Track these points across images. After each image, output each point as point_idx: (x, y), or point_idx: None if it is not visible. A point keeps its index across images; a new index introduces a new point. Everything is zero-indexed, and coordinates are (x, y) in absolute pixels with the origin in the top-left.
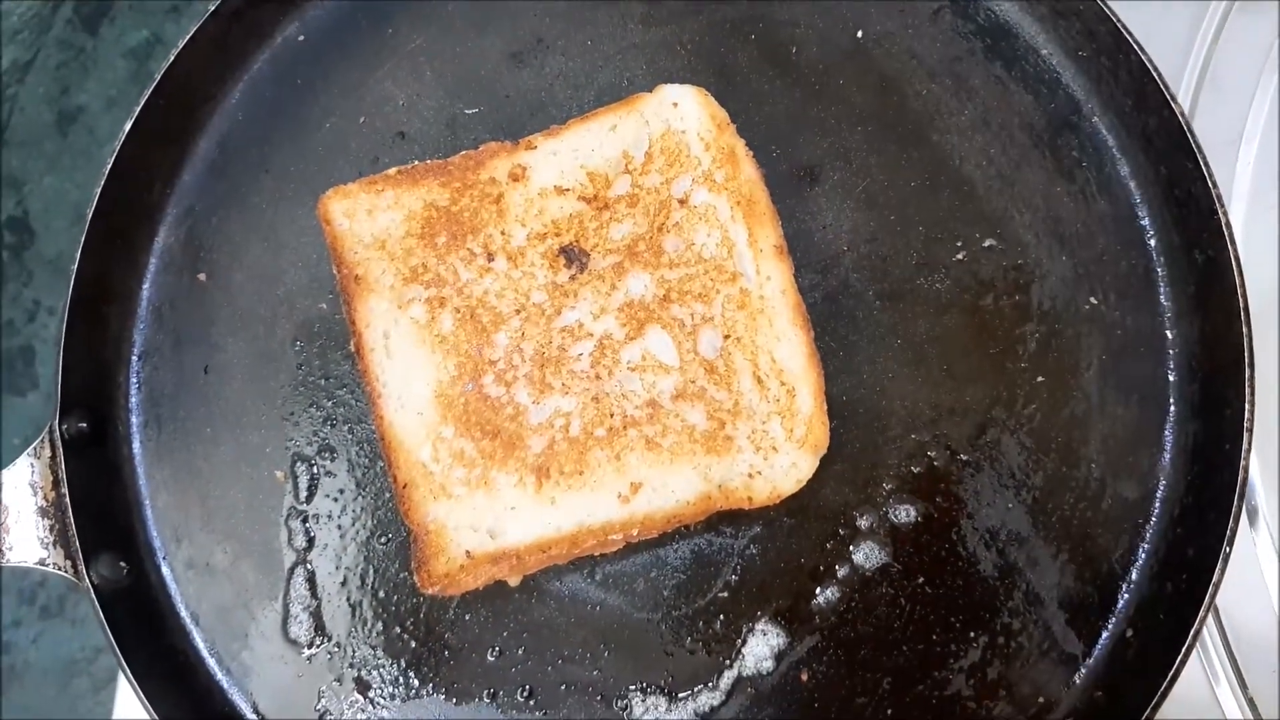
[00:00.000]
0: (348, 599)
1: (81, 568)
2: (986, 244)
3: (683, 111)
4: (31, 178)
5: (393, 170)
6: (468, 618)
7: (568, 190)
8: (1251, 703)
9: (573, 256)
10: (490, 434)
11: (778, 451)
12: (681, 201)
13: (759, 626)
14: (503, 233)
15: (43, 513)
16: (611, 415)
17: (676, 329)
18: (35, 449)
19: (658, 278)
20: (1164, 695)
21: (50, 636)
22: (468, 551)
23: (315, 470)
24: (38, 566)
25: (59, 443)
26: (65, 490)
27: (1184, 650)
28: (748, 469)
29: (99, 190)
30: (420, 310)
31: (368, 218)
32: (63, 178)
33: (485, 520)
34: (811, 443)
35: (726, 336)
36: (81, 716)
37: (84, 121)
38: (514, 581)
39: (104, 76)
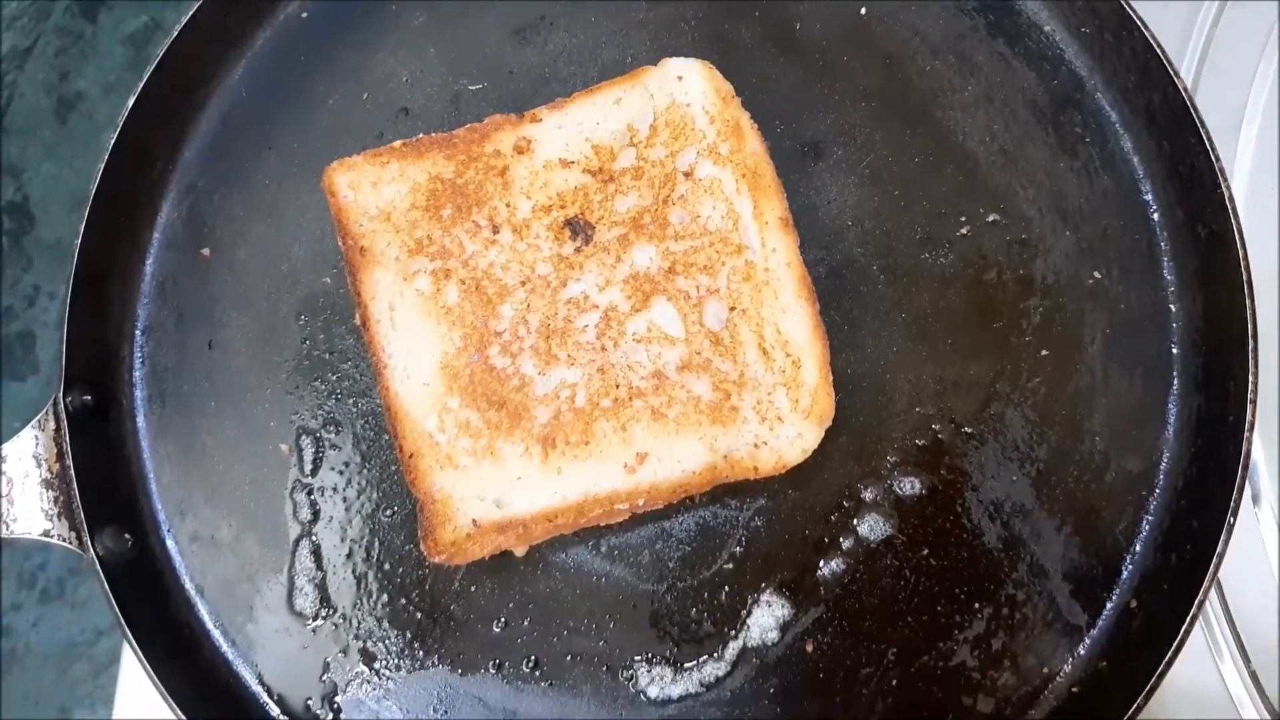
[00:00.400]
0: (353, 571)
1: (86, 539)
2: (990, 219)
3: (687, 85)
4: (31, 164)
5: (397, 143)
6: (473, 589)
7: (573, 163)
8: (1254, 676)
9: (578, 229)
10: (496, 405)
11: (783, 422)
12: (686, 174)
13: (764, 598)
14: (508, 205)
15: (47, 485)
16: (617, 386)
17: (682, 301)
18: (39, 422)
19: (663, 250)
20: (1168, 666)
21: (50, 620)
22: (474, 520)
23: (320, 443)
24: (42, 539)
25: (63, 416)
26: (69, 463)
27: (1188, 621)
28: (753, 439)
29: (102, 166)
30: (425, 282)
31: (372, 190)
32: (62, 164)
33: (491, 490)
34: (817, 414)
35: (732, 308)
36: (81, 700)
37: (83, 108)
38: (520, 551)
39: (103, 63)
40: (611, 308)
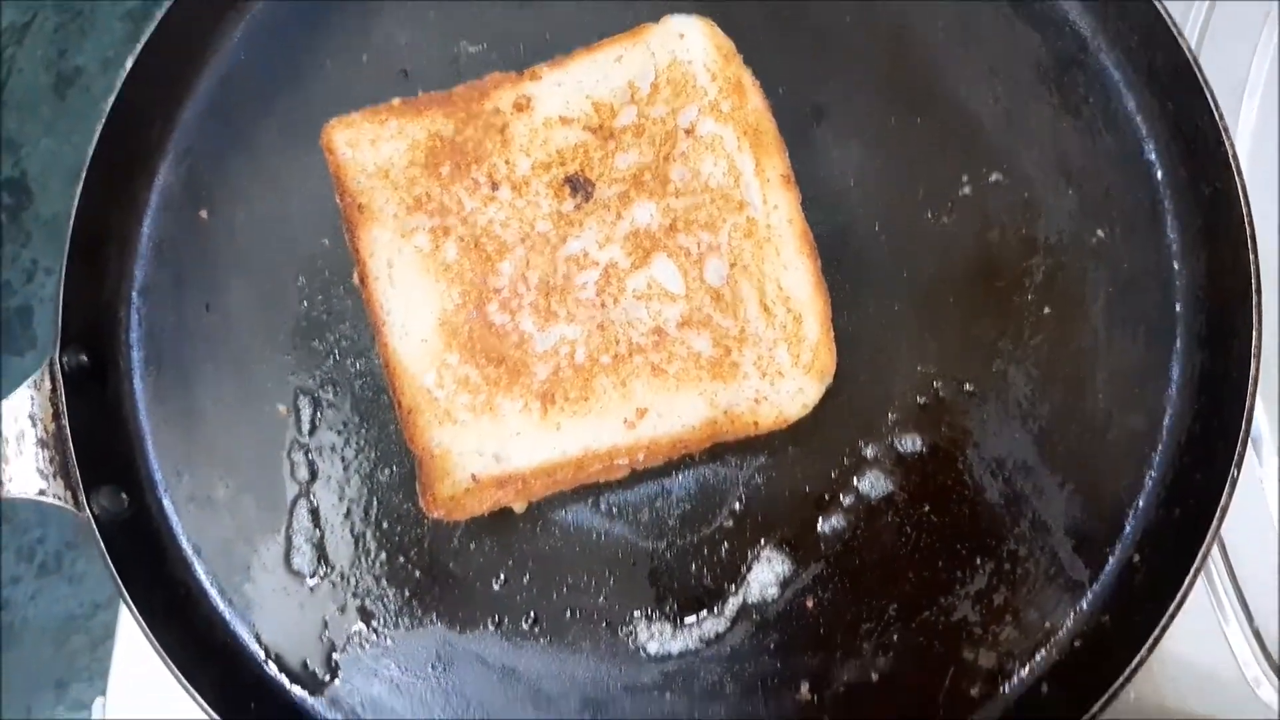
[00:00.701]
0: (351, 530)
1: (82, 498)
2: (992, 179)
3: (689, 42)
4: (29, 139)
5: (396, 100)
6: (472, 547)
7: (573, 120)
8: (1258, 635)
9: (578, 186)
10: (495, 361)
11: (784, 377)
12: (688, 131)
13: (764, 554)
14: (507, 162)
15: (42, 444)
16: (617, 342)
17: (682, 257)
18: (35, 381)
19: (663, 207)
20: (1170, 619)
21: (48, 594)
22: (473, 475)
23: (318, 404)
24: (37, 498)
25: (59, 375)
26: (65, 422)
27: (1191, 574)
28: (754, 395)
29: (100, 127)
30: (424, 239)
31: (371, 147)
32: (60, 139)
33: (490, 445)
34: (818, 369)
35: (733, 265)
36: (79, 672)
37: (81, 83)
38: (519, 508)
39: (101, 39)
40: (612, 264)
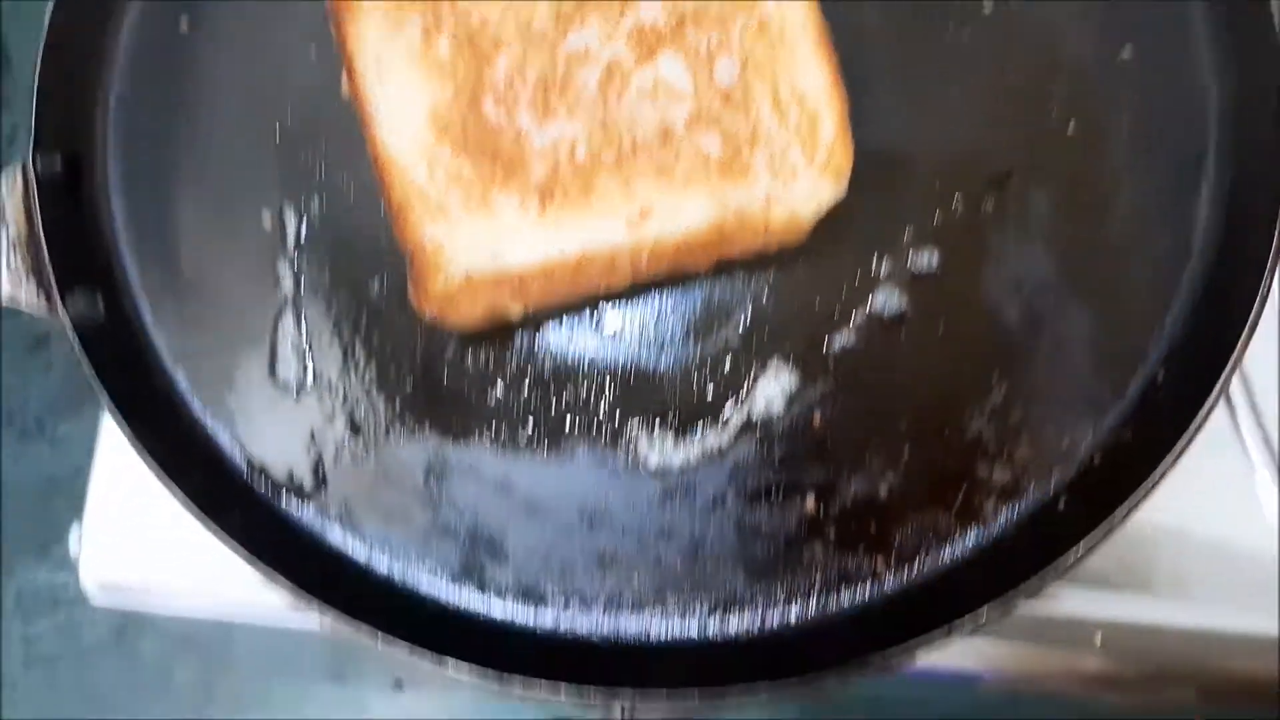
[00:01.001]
0: (339, 341)
1: (56, 300)
2: None
3: None
4: (6, 4)
5: None
6: (467, 360)
7: None
8: None
9: None
10: (490, 156)
11: (797, 178)
12: None
13: (770, 370)
14: None
15: (14, 246)
16: (620, 141)
17: (691, 55)
18: (6, 184)
19: (670, 5)
20: (1198, 429)
21: (29, 457)
22: (467, 272)
23: (305, 215)
24: (8, 304)
25: (32, 177)
26: (39, 225)
27: (1221, 383)
28: (765, 195)
29: None
30: (415, 33)
31: None
32: (39, 3)
33: (485, 241)
34: (834, 168)
35: (744, 64)
36: (60, 534)
37: None
38: (515, 313)
39: None
40: (615, 62)
